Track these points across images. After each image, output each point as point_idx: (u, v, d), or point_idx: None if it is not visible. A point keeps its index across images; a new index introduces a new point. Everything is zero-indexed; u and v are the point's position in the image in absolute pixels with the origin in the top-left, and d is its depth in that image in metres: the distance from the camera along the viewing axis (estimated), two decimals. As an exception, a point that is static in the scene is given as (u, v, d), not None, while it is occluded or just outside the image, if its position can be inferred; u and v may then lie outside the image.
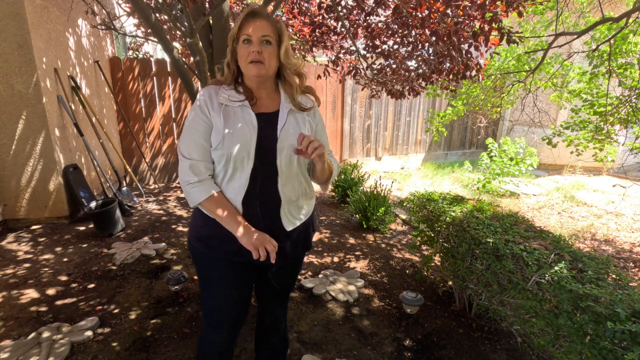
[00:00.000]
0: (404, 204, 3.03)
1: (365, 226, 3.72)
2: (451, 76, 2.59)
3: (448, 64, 2.56)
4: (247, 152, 1.17)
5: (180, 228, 3.62)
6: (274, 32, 1.18)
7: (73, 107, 3.80)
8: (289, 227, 1.27)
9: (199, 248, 1.28)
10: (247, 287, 1.37)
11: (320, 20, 3.19)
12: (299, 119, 1.27)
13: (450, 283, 2.58)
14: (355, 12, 2.96)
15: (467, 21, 2.26)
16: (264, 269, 1.40)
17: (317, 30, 3.19)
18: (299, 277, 2.72)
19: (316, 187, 1.46)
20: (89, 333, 2.02)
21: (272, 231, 1.23)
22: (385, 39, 2.90)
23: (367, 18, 2.90)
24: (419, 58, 2.77)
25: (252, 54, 1.16)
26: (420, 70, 2.84)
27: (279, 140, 1.20)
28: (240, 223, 1.18)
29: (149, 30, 4.16)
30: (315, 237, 3.52)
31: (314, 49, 3.42)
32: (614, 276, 1.56)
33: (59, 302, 2.34)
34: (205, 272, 1.34)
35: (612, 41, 2.71)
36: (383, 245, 3.38)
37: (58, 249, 3.09)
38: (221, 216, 1.18)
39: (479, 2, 2.08)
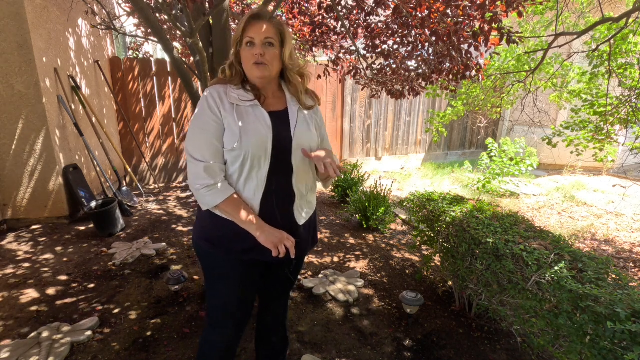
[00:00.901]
0: (404, 204, 3.03)
1: (365, 226, 3.72)
2: (451, 76, 2.59)
3: (448, 64, 2.56)
4: (265, 151, 1.18)
5: (180, 228, 3.62)
6: (277, 34, 1.20)
7: (73, 107, 3.80)
8: (301, 221, 1.31)
9: (206, 248, 1.28)
10: (254, 286, 1.38)
11: (320, 20, 3.19)
12: (306, 116, 1.31)
13: (450, 283, 2.58)
14: (355, 12, 2.96)
15: (467, 21, 2.26)
16: (273, 267, 1.40)
17: (317, 30, 3.19)
18: (300, 277, 2.72)
19: (318, 186, 1.47)
20: (89, 333, 2.02)
21: (286, 226, 1.25)
22: (385, 39, 2.90)
23: (367, 18, 2.89)
24: (419, 58, 2.77)
25: (255, 56, 1.17)
26: (420, 70, 2.84)
27: (294, 138, 1.23)
28: (258, 222, 1.19)
29: (149, 30, 4.17)
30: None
31: (314, 49, 3.42)
32: (614, 276, 1.56)
33: (59, 302, 2.34)
34: (212, 273, 1.34)
35: (612, 41, 2.71)
36: (383, 245, 3.38)
37: (58, 248, 3.09)
38: (238, 217, 1.18)
39: (479, 2, 2.08)
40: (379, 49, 2.94)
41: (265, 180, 1.20)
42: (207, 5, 2.20)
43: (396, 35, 2.78)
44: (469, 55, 2.40)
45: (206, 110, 1.18)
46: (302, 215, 1.31)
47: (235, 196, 1.19)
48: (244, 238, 1.20)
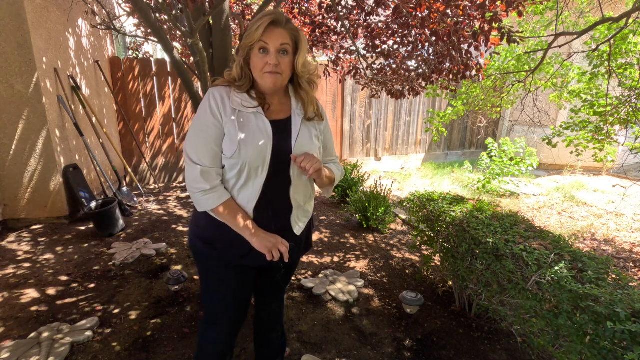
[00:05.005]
0: (404, 204, 3.03)
1: (365, 226, 3.72)
2: (451, 76, 2.59)
3: (448, 64, 2.56)
4: (263, 161, 1.16)
5: (180, 228, 3.62)
6: (292, 40, 1.14)
7: (73, 107, 3.80)
8: (298, 232, 1.30)
9: (201, 247, 1.27)
10: (248, 288, 1.37)
11: (321, 20, 3.19)
12: (310, 128, 1.26)
13: (450, 283, 2.58)
14: (355, 12, 2.96)
15: (467, 21, 2.26)
16: (265, 271, 1.40)
17: (317, 30, 3.19)
18: (300, 276, 2.72)
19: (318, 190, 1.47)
20: (89, 333, 2.03)
21: (282, 235, 1.23)
22: (385, 39, 2.90)
23: (367, 18, 2.89)
24: (419, 58, 2.77)
25: (269, 66, 1.12)
26: (420, 70, 2.84)
27: (294, 151, 1.19)
28: (252, 227, 1.18)
29: (149, 30, 4.16)
30: (315, 236, 3.52)
31: (314, 49, 3.42)
32: (614, 276, 1.56)
33: (59, 302, 2.34)
34: (207, 273, 1.34)
35: (612, 41, 2.71)
36: (383, 245, 3.38)
37: (58, 249, 3.09)
38: (233, 222, 1.17)
39: (479, 2, 2.08)
40: (379, 49, 2.94)
41: (261, 190, 1.18)
42: (207, 5, 2.20)
43: (396, 35, 2.78)
44: (469, 55, 2.40)
45: (208, 113, 1.15)
46: (298, 225, 1.30)
47: (231, 201, 1.18)
48: (239, 244, 1.20)
